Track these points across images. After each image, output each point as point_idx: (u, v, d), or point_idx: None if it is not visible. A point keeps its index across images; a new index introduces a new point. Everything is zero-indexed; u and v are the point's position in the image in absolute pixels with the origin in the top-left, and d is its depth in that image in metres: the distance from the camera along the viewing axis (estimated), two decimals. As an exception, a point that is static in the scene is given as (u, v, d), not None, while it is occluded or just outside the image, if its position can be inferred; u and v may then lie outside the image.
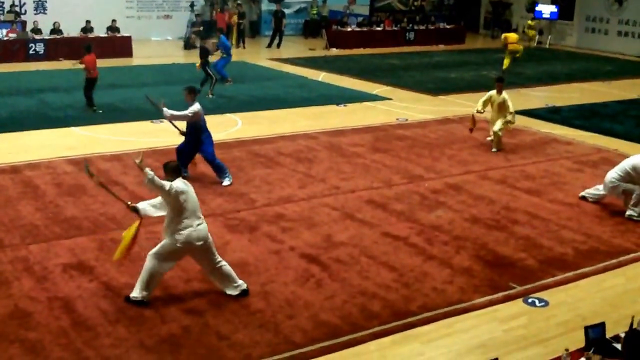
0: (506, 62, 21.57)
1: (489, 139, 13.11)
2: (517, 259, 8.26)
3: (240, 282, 7.09)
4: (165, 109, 10.21)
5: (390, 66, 22.91)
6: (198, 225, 6.75)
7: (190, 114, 10.29)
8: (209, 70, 16.93)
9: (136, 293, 6.81)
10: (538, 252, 8.44)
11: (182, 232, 6.67)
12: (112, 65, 20.68)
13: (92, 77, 14.81)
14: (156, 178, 6.54)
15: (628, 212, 9.63)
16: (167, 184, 6.60)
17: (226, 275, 7.02)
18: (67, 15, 23.19)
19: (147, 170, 6.55)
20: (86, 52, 14.80)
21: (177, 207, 6.64)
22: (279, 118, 15.04)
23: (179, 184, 6.69)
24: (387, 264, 7.96)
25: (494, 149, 12.75)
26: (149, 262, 6.81)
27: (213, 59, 17.52)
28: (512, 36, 22.05)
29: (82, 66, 14.84)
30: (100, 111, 14.84)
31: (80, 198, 9.72)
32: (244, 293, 7.06)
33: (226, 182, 10.46)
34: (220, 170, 10.55)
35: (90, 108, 14.85)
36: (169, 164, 6.89)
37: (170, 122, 10.71)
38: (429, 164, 11.95)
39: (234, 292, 7.04)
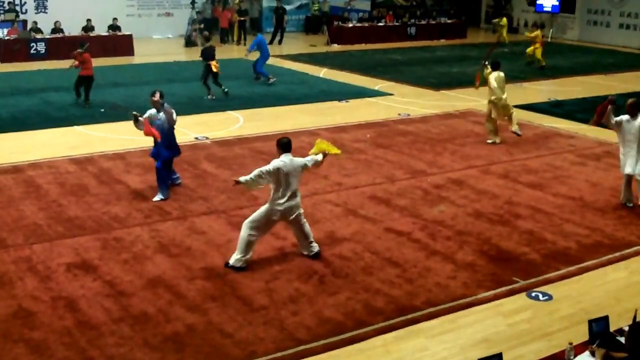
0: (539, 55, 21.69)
1: (489, 141, 13.01)
2: (521, 253, 8.25)
3: (314, 243, 7.90)
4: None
5: (392, 61, 22.90)
6: (286, 201, 7.52)
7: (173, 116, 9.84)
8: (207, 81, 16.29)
9: (232, 260, 7.58)
10: (541, 246, 8.43)
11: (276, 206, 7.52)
12: (114, 63, 20.73)
13: (81, 75, 15.13)
14: (251, 176, 7.44)
15: None
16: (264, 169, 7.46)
17: (304, 235, 7.86)
18: (68, 14, 23.21)
19: (241, 179, 7.46)
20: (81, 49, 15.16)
21: (274, 182, 7.50)
22: (280, 115, 15.03)
23: (279, 162, 7.50)
24: (390, 260, 7.96)
25: (496, 141, 12.80)
26: (243, 231, 7.58)
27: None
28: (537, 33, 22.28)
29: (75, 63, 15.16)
30: (102, 110, 14.87)
31: (83, 197, 9.73)
32: (315, 256, 7.85)
33: (157, 197, 9.67)
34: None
35: (82, 102, 15.18)
36: (281, 140, 7.72)
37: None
38: (431, 159, 11.93)
39: (307, 252, 7.88)
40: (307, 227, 7.90)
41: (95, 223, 8.84)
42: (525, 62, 22.03)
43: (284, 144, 7.66)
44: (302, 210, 7.81)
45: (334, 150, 8.19)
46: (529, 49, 21.99)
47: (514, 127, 12.83)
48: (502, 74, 12.66)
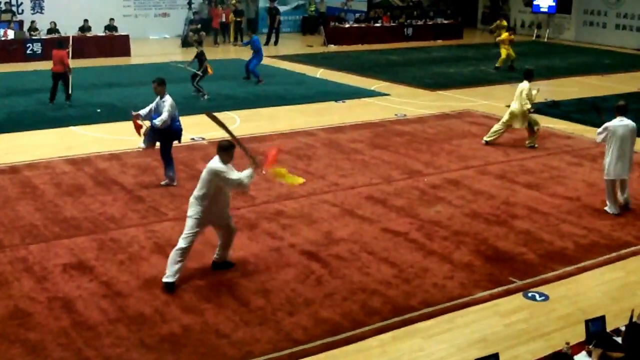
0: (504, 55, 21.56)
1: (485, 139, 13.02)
2: (517, 253, 8.25)
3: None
4: (155, 122, 9.85)
5: (389, 62, 22.91)
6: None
7: (169, 110, 9.89)
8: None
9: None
10: (538, 247, 8.44)
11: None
12: (110, 64, 20.71)
13: (53, 72, 15.26)
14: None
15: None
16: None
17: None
18: (65, 15, 23.19)
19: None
20: (57, 47, 15.47)
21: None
22: (277, 115, 15.03)
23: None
24: (387, 260, 7.96)
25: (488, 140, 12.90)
26: None
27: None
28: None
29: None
30: (99, 110, 14.85)
31: (79, 198, 9.71)
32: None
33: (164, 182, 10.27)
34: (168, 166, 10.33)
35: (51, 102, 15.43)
36: (221, 143, 7.58)
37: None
38: (428, 159, 11.94)
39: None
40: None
41: (91, 224, 8.83)
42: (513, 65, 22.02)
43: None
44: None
45: (295, 180, 7.93)
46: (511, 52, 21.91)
47: (528, 142, 12.78)
48: (522, 84, 12.63)
